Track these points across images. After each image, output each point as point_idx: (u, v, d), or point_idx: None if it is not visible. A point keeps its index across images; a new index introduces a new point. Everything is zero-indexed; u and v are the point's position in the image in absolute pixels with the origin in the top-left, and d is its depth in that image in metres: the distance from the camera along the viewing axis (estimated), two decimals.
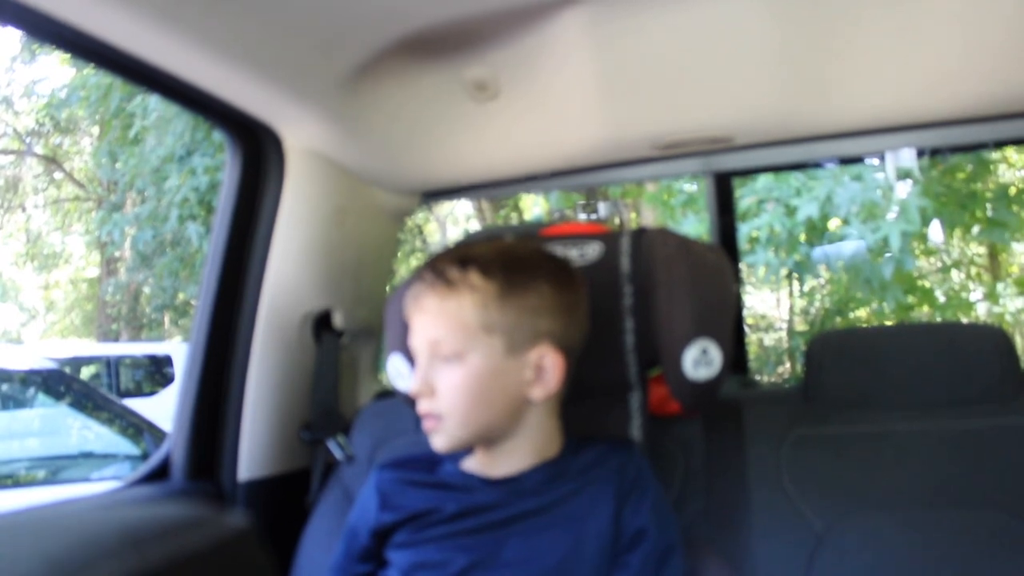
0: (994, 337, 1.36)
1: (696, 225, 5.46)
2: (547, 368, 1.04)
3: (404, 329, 1.15)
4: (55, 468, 3.74)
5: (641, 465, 1.10)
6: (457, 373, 1.02)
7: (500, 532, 1.04)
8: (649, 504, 1.06)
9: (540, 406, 1.07)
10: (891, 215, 4.67)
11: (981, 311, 5.83)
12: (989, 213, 5.09)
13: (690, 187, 5.81)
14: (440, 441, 1.05)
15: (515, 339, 1.03)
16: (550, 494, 1.05)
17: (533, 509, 1.04)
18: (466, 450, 1.10)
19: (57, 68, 11.19)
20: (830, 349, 1.44)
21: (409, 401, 1.22)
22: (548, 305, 1.05)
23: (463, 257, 1.05)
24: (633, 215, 7.03)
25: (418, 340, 1.06)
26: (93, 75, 9.02)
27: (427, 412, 1.04)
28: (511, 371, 1.03)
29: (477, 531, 1.04)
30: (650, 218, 6.93)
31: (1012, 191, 5.32)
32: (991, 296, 5.98)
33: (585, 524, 1.04)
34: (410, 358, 1.18)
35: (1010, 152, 5.83)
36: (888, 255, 4.75)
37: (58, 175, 13.97)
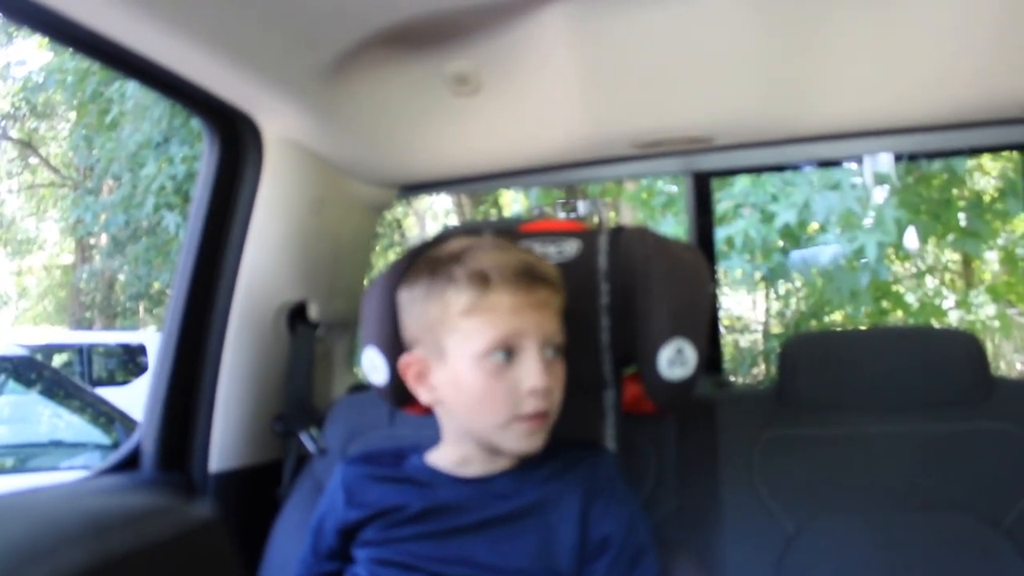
0: (965, 342, 1.38)
1: (675, 227, 5.47)
2: None
3: (380, 322, 1.14)
4: (24, 456, 3.69)
5: (611, 470, 1.10)
6: (560, 369, 1.05)
7: (468, 536, 1.03)
8: (616, 509, 1.05)
9: None
10: (867, 221, 4.70)
11: (953, 318, 5.87)
12: (962, 223, 5.13)
13: (670, 188, 5.82)
14: (541, 440, 1.04)
15: None
16: (519, 499, 1.04)
17: (503, 514, 1.03)
18: (430, 444, 1.10)
19: (34, 51, 11.05)
20: (804, 351, 1.45)
21: (383, 395, 1.21)
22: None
23: (533, 256, 1.08)
24: (612, 214, 7.04)
25: (532, 337, 1.02)
26: (71, 59, 8.92)
27: (543, 411, 1.02)
28: None
29: (445, 534, 1.03)
30: (629, 218, 6.94)
31: (986, 199, 5.36)
32: (963, 304, 6.03)
33: (554, 529, 1.03)
34: (385, 351, 1.16)
35: (985, 160, 5.88)
36: (863, 260, 4.78)
37: (33, 160, 13.81)
